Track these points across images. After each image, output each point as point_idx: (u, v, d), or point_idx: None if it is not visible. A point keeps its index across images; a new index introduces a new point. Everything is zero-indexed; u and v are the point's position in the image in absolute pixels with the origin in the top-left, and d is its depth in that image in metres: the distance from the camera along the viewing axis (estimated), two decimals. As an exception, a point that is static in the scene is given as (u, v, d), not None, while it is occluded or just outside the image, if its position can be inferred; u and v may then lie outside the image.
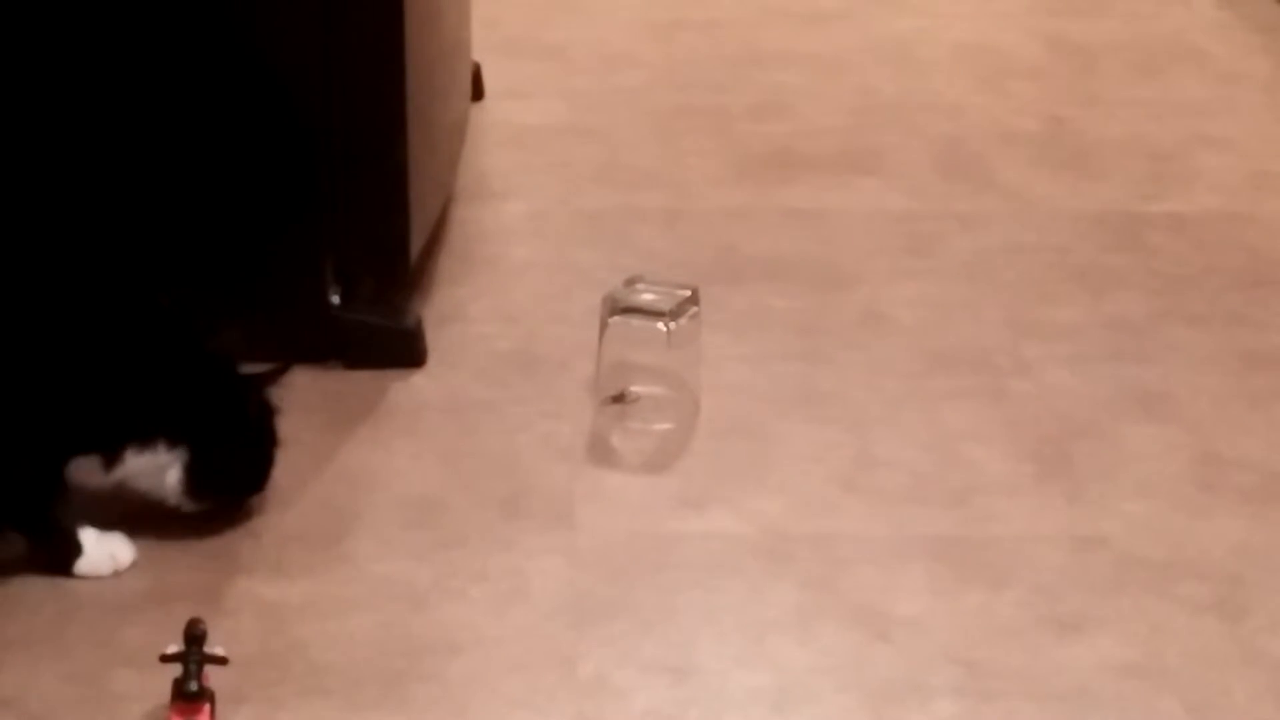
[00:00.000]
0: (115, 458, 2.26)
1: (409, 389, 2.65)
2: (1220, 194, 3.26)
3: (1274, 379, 2.72)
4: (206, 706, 1.99)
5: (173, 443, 2.27)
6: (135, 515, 2.29)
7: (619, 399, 2.59)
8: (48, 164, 2.53)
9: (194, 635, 2.01)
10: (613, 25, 3.88)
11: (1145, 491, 2.46)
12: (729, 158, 3.35)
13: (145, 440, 2.26)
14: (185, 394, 2.29)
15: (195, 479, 2.28)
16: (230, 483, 2.34)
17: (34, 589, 2.22)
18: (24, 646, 2.14)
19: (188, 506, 2.30)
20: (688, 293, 2.62)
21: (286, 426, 2.36)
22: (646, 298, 2.60)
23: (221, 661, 2.02)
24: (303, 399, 2.45)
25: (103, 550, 2.25)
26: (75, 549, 2.24)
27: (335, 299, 2.68)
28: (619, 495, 2.45)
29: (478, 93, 3.50)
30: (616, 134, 3.42)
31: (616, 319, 2.58)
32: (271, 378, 2.33)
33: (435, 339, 2.73)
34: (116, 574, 2.25)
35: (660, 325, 2.57)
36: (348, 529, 2.36)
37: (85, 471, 2.26)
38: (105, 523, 2.27)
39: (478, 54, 3.46)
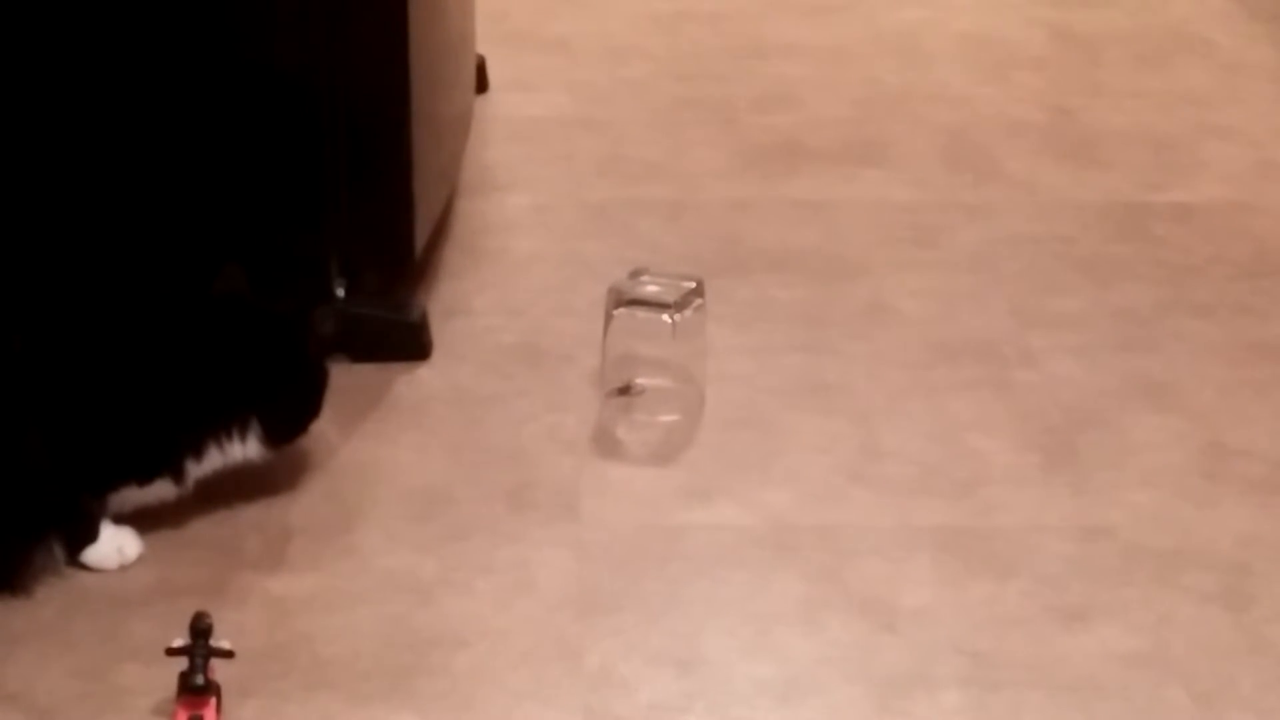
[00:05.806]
0: (193, 464, 2.27)
1: (414, 382, 2.65)
2: (1226, 184, 3.25)
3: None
4: (212, 700, 1.99)
5: (249, 414, 2.29)
6: (140, 509, 2.29)
7: (624, 391, 2.59)
8: (49, 157, 2.53)
9: (200, 629, 2.01)
10: (617, 17, 3.88)
11: (1151, 481, 2.46)
12: (734, 149, 3.35)
13: (225, 427, 2.28)
14: (251, 365, 2.30)
15: (275, 432, 2.32)
16: (305, 418, 2.37)
17: (40, 584, 2.22)
18: (30, 641, 2.14)
19: (265, 457, 2.33)
20: (693, 284, 2.62)
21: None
22: (651, 290, 2.60)
23: (227, 655, 2.02)
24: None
25: (111, 543, 2.25)
26: (93, 535, 2.24)
27: (340, 292, 2.68)
28: (625, 487, 2.45)
29: (482, 85, 3.50)
30: (621, 126, 3.42)
31: (621, 311, 2.58)
32: (307, 311, 2.38)
33: (440, 332, 2.73)
34: (122, 568, 2.25)
35: (665, 317, 2.57)
36: (353, 522, 2.36)
37: (157, 491, 2.28)
38: (113, 515, 2.27)
39: (482, 46, 3.46)
